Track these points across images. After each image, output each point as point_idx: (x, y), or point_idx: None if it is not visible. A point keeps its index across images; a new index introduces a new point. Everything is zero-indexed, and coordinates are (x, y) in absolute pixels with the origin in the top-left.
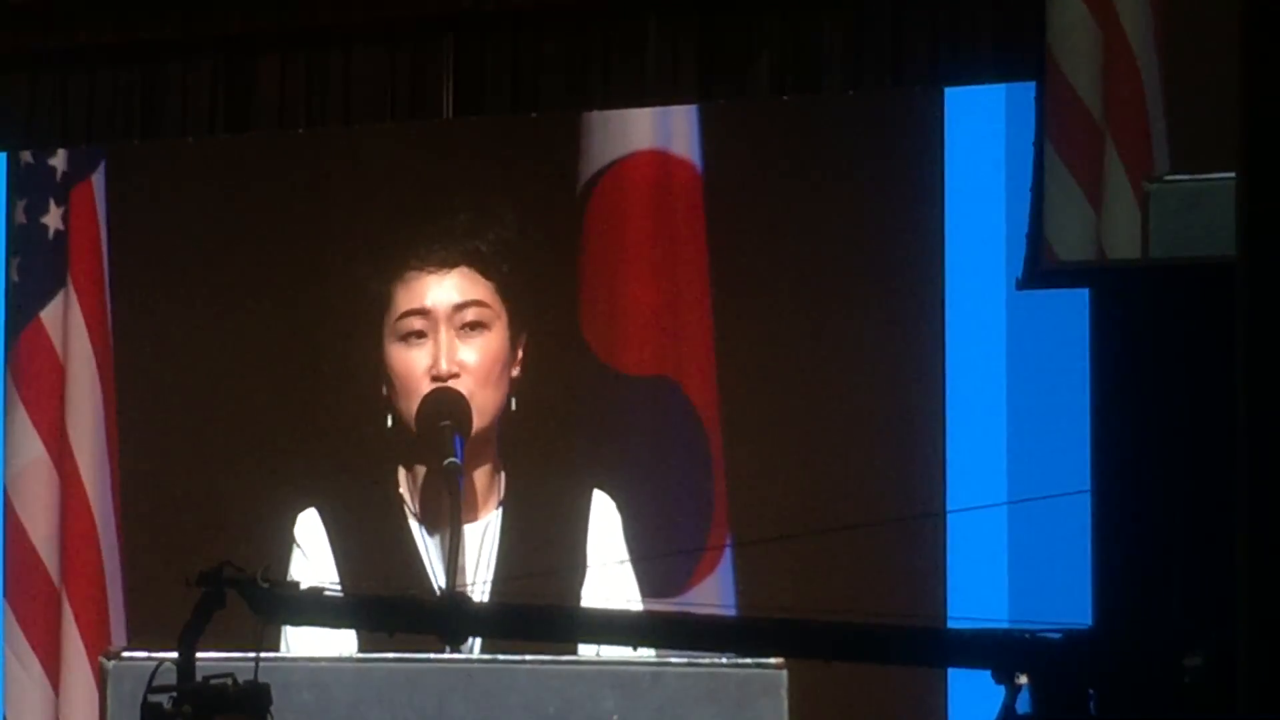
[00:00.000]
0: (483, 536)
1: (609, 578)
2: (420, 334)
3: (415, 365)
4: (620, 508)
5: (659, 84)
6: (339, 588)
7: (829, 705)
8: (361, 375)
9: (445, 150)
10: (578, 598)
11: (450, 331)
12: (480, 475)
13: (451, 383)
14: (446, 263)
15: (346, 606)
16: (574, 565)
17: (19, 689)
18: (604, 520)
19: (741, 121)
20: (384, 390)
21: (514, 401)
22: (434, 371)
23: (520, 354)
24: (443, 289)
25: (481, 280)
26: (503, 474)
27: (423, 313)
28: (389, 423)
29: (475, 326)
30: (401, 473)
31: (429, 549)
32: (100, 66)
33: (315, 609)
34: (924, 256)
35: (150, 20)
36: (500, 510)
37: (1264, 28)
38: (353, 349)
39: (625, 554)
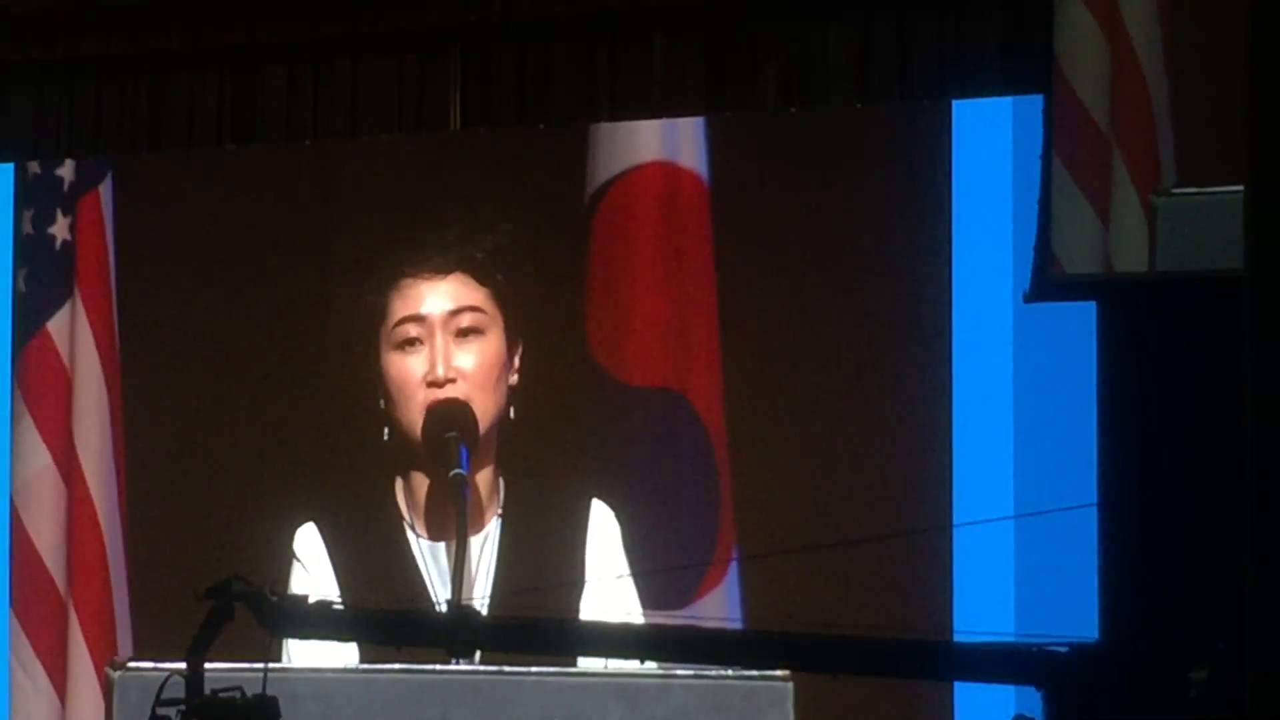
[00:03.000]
0: (482, 548)
1: (608, 591)
2: (416, 340)
3: (411, 372)
4: (626, 520)
5: (666, 96)
6: (344, 602)
7: (835, 718)
8: (360, 387)
9: (452, 162)
10: (577, 609)
11: (446, 337)
12: (481, 486)
13: (448, 388)
14: (441, 270)
15: (354, 620)
16: (573, 578)
17: (25, 699)
18: (603, 530)
19: (748, 133)
20: (381, 403)
21: (512, 410)
22: (430, 377)
23: (517, 362)
24: (437, 295)
25: (477, 286)
26: (502, 484)
27: (418, 319)
28: (385, 435)
29: (470, 332)
30: (398, 485)
31: (428, 561)
32: (107, 77)
33: (323, 622)
34: (931, 269)
35: (157, 31)
36: (499, 520)
37: (1272, 41)
38: (354, 360)
39: (624, 564)
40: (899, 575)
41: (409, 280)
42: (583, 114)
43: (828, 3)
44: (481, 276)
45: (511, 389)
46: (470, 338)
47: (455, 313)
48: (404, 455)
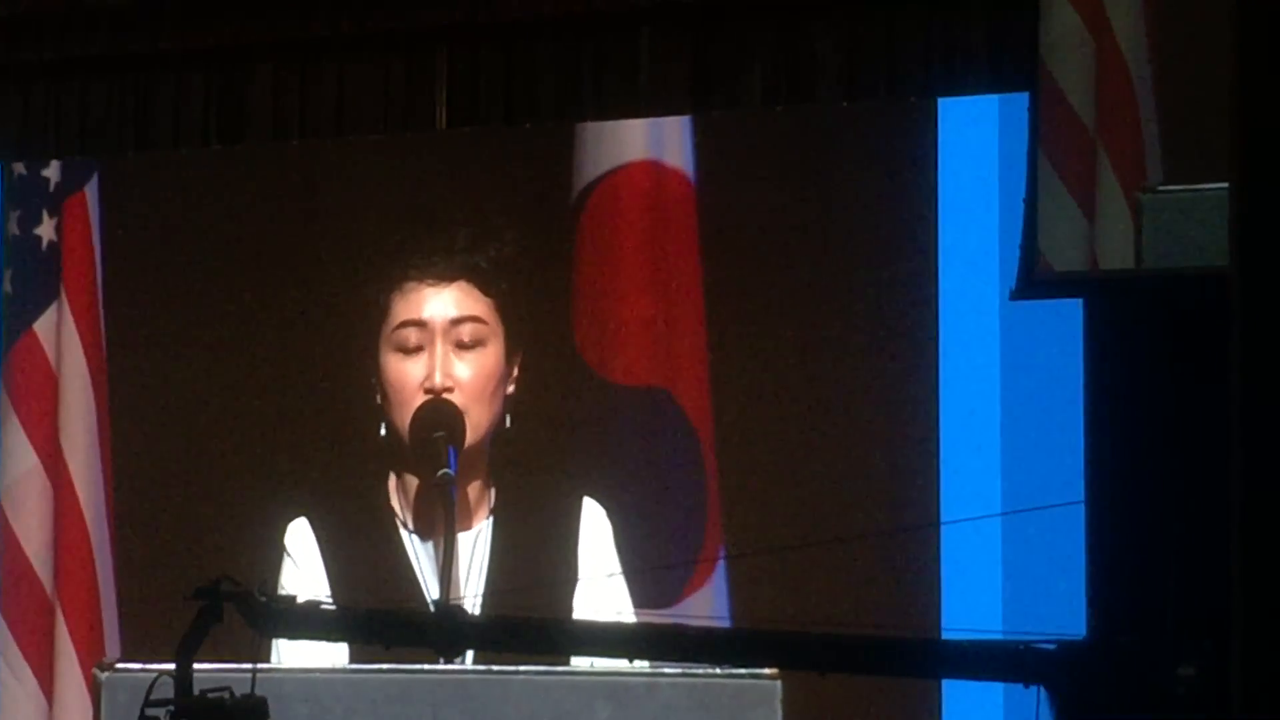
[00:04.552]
0: (473, 546)
1: (601, 588)
2: (416, 346)
3: (409, 377)
4: (613, 518)
5: (652, 95)
6: (333, 602)
7: (823, 716)
8: (353, 385)
9: (439, 162)
10: (570, 608)
11: (446, 345)
12: (472, 488)
13: (444, 396)
14: (446, 276)
15: (342, 620)
16: (566, 575)
17: (12, 701)
18: (594, 528)
19: (735, 132)
20: (378, 399)
21: (509, 419)
22: (427, 384)
23: (516, 372)
24: (441, 302)
25: (480, 297)
26: (493, 487)
27: (419, 324)
28: (382, 430)
29: (471, 343)
30: (392, 482)
31: (419, 559)
32: (93, 78)
33: (311, 623)
34: (918, 266)
35: (143, 32)
36: (490, 520)
37: (1257, 39)
38: (346, 358)
39: (616, 562)
40: (887, 573)
41: (413, 284)
42: (569, 113)
43: (814, 1)
44: (486, 286)
45: (509, 398)
46: (471, 348)
47: (458, 322)
48: (398, 454)
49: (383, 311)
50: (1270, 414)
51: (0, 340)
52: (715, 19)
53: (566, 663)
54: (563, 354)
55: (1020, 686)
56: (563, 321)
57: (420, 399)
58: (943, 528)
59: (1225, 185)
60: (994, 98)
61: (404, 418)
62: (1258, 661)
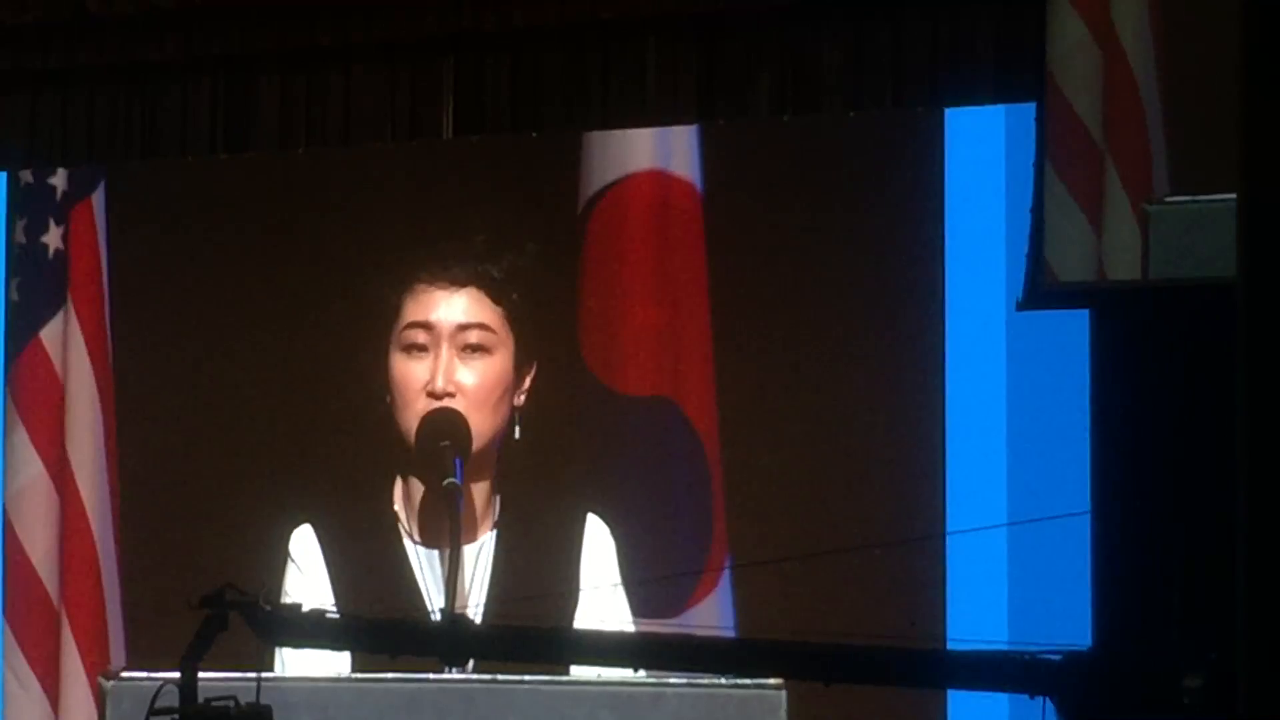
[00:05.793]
0: (477, 558)
1: (603, 601)
2: (421, 347)
3: (413, 377)
4: (618, 528)
5: (659, 104)
6: (339, 611)
7: None
8: (359, 394)
9: (446, 170)
10: (570, 621)
11: (451, 350)
12: (476, 497)
13: (447, 402)
14: (457, 281)
15: (348, 629)
16: (568, 588)
17: (18, 709)
18: (597, 545)
19: (741, 142)
20: (388, 399)
21: (518, 431)
22: (430, 388)
23: (527, 383)
24: (449, 307)
25: (490, 304)
26: (498, 497)
27: (426, 326)
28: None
29: (476, 349)
30: (397, 489)
31: (423, 568)
32: (100, 86)
33: (317, 631)
34: (924, 277)
35: (150, 40)
36: (495, 532)
37: (1264, 49)
38: (353, 368)
39: (618, 578)
40: (892, 583)
41: (423, 286)
42: (576, 122)
43: (821, 11)
44: (496, 295)
45: (517, 409)
46: (476, 354)
47: (464, 327)
48: (402, 459)
49: (393, 312)
50: (1277, 425)
51: (6, 348)
52: (722, 29)
53: (570, 673)
54: (569, 364)
55: (1026, 697)
56: (569, 330)
57: (422, 401)
58: (948, 538)
59: (1233, 196)
60: (1000, 108)
61: (407, 420)
62: (1263, 672)
